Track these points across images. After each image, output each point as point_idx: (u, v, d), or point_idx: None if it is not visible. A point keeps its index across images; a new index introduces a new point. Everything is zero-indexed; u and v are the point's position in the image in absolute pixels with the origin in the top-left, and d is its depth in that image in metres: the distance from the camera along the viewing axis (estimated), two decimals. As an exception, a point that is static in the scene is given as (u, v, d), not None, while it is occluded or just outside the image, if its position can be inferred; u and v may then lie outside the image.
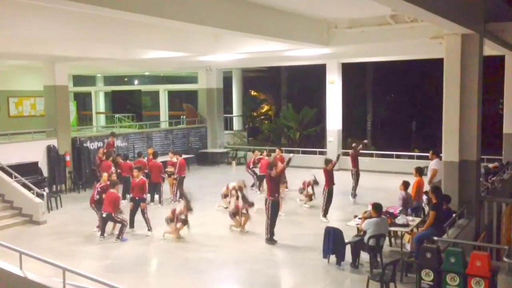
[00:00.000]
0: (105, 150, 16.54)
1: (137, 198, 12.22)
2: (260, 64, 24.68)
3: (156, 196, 15.30)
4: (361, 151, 16.16)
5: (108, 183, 11.99)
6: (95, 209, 12.03)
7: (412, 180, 11.83)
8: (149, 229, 11.95)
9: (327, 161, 13.14)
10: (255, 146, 24.59)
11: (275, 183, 11.11)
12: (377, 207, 9.49)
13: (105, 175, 12.60)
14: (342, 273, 9.42)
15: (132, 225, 12.20)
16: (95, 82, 31.11)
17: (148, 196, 15.20)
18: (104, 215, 11.52)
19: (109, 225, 11.85)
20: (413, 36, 12.26)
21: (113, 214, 11.43)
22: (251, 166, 16.91)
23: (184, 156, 16.52)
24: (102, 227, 11.68)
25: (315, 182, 14.49)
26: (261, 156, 16.59)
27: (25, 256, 7.78)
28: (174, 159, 15.64)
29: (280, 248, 11.03)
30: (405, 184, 11.50)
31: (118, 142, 19.43)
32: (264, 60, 21.40)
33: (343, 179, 16.02)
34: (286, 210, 13.47)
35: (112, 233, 11.83)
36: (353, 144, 16.41)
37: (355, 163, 15.41)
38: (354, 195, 15.39)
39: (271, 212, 11.01)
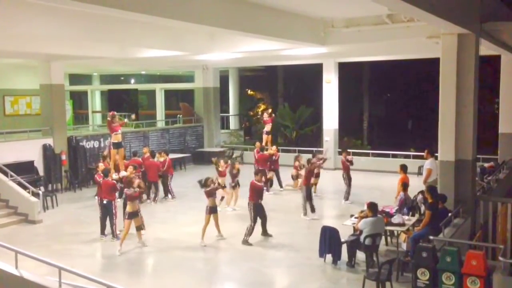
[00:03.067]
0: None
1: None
2: (256, 63, 24.67)
3: (152, 195, 15.30)
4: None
5: (101, 174, 12.03)
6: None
7: (398, 177, 12.23)
8: (143, 227, 11.93)
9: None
10: (252, 145, 24.58)
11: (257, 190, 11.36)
12: (373, 207, 9.50)
13: (100, 165, 12.72)
14: (338, 272, 9.44)
15: None
16: (91, 81, 31.01)
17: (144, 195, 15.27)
18: (104, 202, 11.50)
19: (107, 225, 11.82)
20: (409, 35, 12.28)
21: (113, 202, 11.45)
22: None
23: (180, 155, 16.56)
24: (102, 223, 11.66)
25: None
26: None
27: (20, 255, 7.75)
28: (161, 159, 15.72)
29: (276, 247, 11.05)
30: (404, 185, 11.55)
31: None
32: (261, 59, 21.40)
33: (339, 178, 16.01)
34: (284, 208, 13.47)
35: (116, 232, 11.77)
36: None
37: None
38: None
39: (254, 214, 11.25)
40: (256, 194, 11.31)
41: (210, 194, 11.08)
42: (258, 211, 11.26)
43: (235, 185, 14.25)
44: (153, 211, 14.00)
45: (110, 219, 11.57)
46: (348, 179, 14.86)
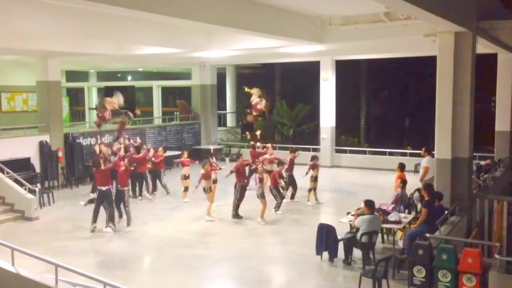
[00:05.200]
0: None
1: (119, 186, 12.14)
2: (254, 60, 24.64)
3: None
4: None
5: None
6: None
7: (395, 175, 12.31)
8: (128, 224, 11.94)
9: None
10: (248, 143, 24.57)
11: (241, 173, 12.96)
12: (369, 204, 9.51)
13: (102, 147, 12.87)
14: (335, 269, 9.47)
15: (120, 215, 12.22)
16: (88, 77, 30.96)
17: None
18: (103, 189, 11.56)
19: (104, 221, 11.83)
20: (406, 33, 12.29)
21: (111, 188, 11.63)
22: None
23: (177, 152, 16.46)
24: (95, 212, 11.72)
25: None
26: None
27: (17, 252, 7.73)
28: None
29: (273, 245, 11.07)
30: (403, 183, 11.56)
31: (111, 139, 19.31)
32: (258, 57, 21.37)
33: (336, 176, 16.05)
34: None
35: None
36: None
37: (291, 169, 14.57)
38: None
39: (240, 194, 12.82)
40: (240, 176, 12.78)
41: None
42: (242, 192, 12.78)
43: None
44: (150, 208, 14.00)
45: (110, 206, 11.68)
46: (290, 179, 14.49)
